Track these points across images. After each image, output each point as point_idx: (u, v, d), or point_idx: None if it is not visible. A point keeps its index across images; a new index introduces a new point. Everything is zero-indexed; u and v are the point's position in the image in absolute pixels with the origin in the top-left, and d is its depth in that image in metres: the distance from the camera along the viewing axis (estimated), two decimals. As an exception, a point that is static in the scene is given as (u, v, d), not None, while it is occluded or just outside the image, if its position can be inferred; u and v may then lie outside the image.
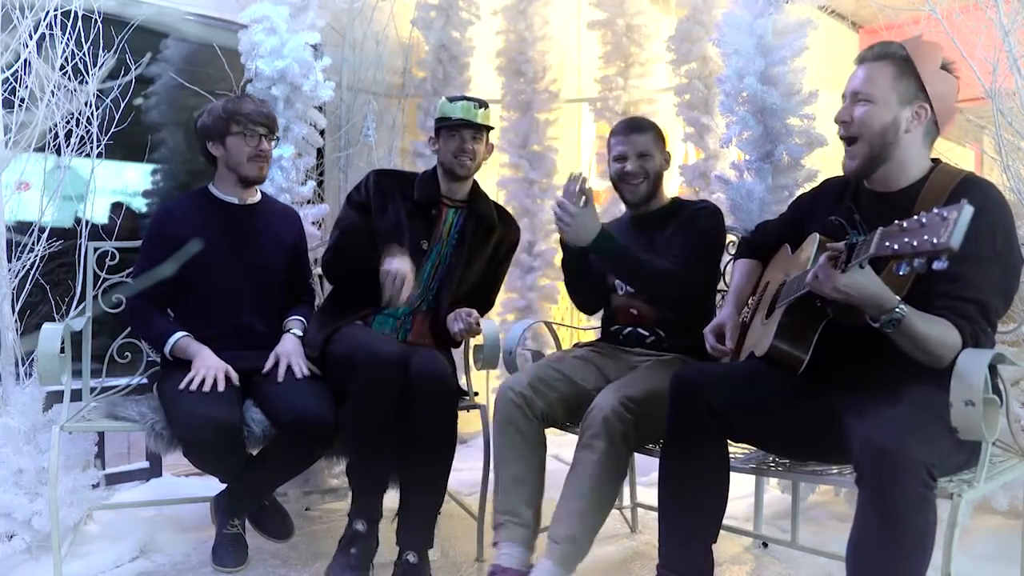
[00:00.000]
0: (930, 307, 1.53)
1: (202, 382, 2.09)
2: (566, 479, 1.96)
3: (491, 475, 2.17)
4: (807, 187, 2.58)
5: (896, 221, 1.35)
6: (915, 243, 1.30)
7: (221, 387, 2.10)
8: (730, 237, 2.42)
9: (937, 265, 1.29)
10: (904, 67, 1.64)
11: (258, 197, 2.39)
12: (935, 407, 1.49)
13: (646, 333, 2.26)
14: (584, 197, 2.03)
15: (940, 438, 1.46)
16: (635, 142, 2.25)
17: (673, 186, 3.78)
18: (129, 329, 2.43)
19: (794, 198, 2.09)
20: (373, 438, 2.09)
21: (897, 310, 1.47)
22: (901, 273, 1.33)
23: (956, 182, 1.62)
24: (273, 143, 2.34)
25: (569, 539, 1.89)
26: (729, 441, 1.79)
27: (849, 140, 1.70)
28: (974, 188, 1.60)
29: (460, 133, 2.34)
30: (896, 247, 1.33)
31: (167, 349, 2.19)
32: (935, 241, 1.27)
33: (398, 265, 2.18)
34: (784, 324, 1.69)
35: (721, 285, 2.44)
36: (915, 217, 1.32)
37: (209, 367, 2.13)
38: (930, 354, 1.52)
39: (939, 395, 1.50)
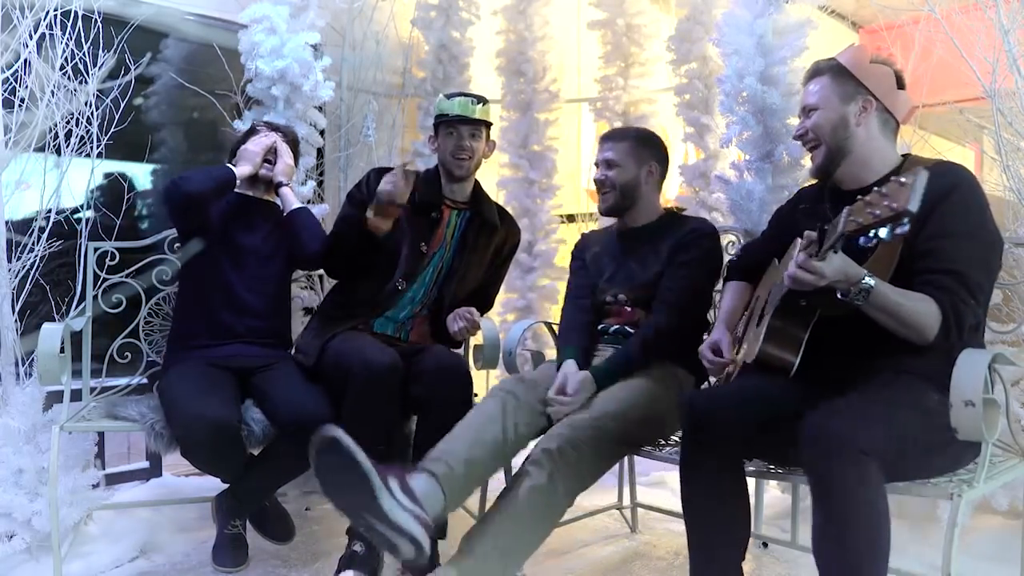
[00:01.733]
0: (911, 286, 1.56)
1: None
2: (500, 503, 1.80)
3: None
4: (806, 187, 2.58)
5: (859, 198, 1.40)
6: (877, 211, 1.35)
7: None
8: (728, 238, 2.42)
9: (900, 231, 1.34)
10: (837, 72, 1.74)
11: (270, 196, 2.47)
12: (913, 402, 1.50)
13: (633, 331, 2.16)
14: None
15: (903, 432, 1.47)
16: (604, 150, 2.21)
17: (673, 186, 3.78)
18: (185, 190, 2.23)
19: (794, 183, 2.10)
20: (370, 451, 2.07)
21: (864, 281, 1.49)
22: (869, 245, 1.38)
23: (928, 167, 1.63)
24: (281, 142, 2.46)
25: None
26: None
27: (812, 147, 1.78)
28: (944, 169, 1.64)
29: (457, 130, 2.32)
30: (860, 220, 1.38)
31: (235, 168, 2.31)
32: (894, 206, 1.32)
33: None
34: (772, 327, 1.70)
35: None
36: (876, 189, 1.37)
37: (258, 144, 2.39)
38: (910, 326, 1.54)
39: (925, 392, 1.52)
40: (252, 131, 2.48)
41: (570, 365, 2.05)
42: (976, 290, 1.56)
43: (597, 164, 2.23)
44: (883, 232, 1.34)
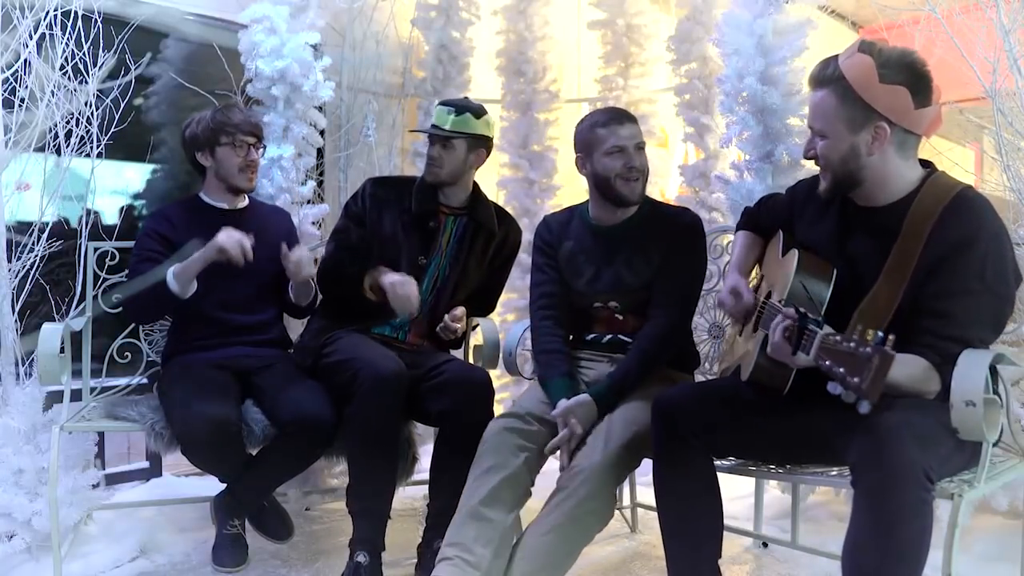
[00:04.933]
0: (913, 341, 1.48)
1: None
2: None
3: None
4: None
5: (834, 337, 1.34)
6: (842, 371, 1.29)
7: (248, 255, 2.13)
8: (728, 238, 2.41)
9: (862, 408, 1.29)
10: (844, 91, 1.54)
11: (246, 202, 2.42)
12: (931, 410, 1.48)
13: (628, 340, 2.09)
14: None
15: (939, 441, 1.46)
16: (634, 132, 2.06)
17: (673, 186, 3.78)
18: (132, 321, 2.41)
19: (796, 181, 1.96)
20: (378, 461, 2.08)
21: None
22: (837, 393, 1.32)
23: (948, 200, 1.53)
24: (261, 151, 2.37)
25: None
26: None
27: (821, 167, 1.66)
28: (965, 210, 1.51)
29: (430, 138, 2.30)
30: (828, 364, 1.33)
31: (169, 281, 2.13)
32: (857, 382, 1.27)
33: (397, 279, 2.17)
34: (764, 352, 1.66)
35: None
36: (848, 342, 1.30)
37: (229, 241, 2.11)
38: (910, 396, 1.49)
39: (934, 399, 1.50)
40: (221, 130, 2.28)
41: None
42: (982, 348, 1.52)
43: (622, 149, 2.07)
44: (844, 393, 1.30)
